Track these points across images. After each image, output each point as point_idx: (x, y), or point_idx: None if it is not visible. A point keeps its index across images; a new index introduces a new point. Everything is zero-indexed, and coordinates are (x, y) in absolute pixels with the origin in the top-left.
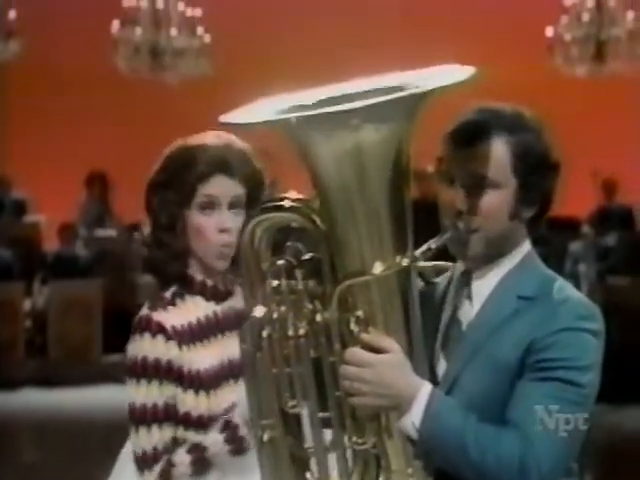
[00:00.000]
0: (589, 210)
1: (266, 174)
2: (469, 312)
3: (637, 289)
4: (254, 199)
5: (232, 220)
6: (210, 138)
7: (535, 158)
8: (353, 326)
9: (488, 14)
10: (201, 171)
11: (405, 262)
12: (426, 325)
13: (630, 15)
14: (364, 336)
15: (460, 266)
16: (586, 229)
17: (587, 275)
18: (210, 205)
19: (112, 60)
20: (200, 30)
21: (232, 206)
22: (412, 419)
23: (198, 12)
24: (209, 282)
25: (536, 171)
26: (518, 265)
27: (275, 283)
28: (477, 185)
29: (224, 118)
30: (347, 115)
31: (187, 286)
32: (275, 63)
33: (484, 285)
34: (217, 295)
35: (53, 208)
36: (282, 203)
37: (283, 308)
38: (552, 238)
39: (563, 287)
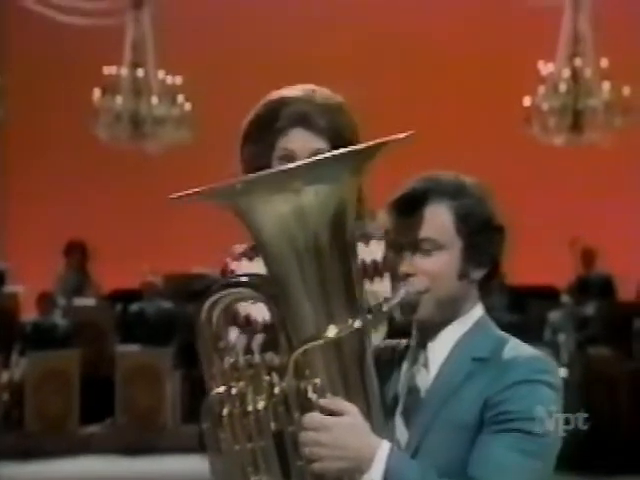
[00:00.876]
0: (568, 279)
1: (354, 128)
2: (426, 379)
3: (617, 359)
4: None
5: None
6: (293, 91)
7: (478, 220)
8: (311, 394)
9: (466, 82)
10: (280, 125)
11: (357, 324)
12: (385, 389)
13: (606, 86)
14: (321, 400)
15: (415, 335)
16: (565, 298)
17: (567, 345)
18: (288, 159)
19: (93, 128)
20: (180, 98)
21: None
22: (372, 477)
23: (179, 80)
24: None
25: (480, 232)
26: (472, 328)
27: (232, 360)
28: (423, 248)
29: (173, 195)
30: (288, 177)
31: None
32: None
33: (439, 351)
34: None
35: (32, 278)
36: (236, 279)
37: (242, 383)
38: (531, 307)
39: (516, 346)
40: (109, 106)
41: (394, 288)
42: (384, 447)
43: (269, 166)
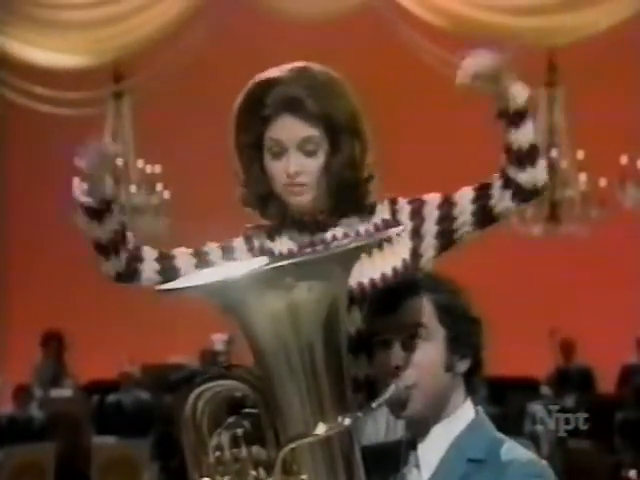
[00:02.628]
0: (547, 370)
1: (352, 111)
2: None
3: (598, 452)
4: (335, 136)
5: (300, 163)
6: (281, 70)
7: (458, 310)
8: None
9: (442, 172)
10: (266, 113)
11: (347, 422)
12: None
13: (583, 177)
14: None
15: (405, 434)
16: (545, 390)
17: (546, 437)
18: (278, 149)
19: (71, 218)
20: (159, 186)
21: (302, 148)
22: None
23: (158, 169)
24: (304, 217)
25: (461, 322)
26: (467, 428)
27: (218, 453)
28: (408, 340)
29: (160, 287)
30: (279, 273)
31: (284, 221)
32: (240, 220)
33: (431, 451)
34: (308, 227)
35: (9, 369)
36: (222, 372)
37: (227, 478)
38: (510, 398)
39: (512, 448)
40: None
41: (382, 384)
42: None
43: (261, 158)
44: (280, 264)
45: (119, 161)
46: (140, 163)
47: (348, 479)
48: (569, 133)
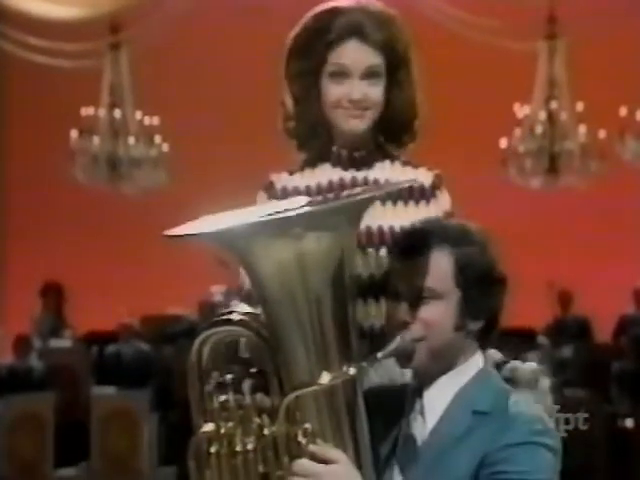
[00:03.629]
0: (545, 321)
1: (408, 43)
2: (422, 428)
3: (595, 403)
4: (394, 69)
5: (364, 90)
6: (346, 1)
7: (478, 271)
8: (301, 438)
9: (441, 123)
10: (331, 38)
11: (352, 371)
12: (380, 433)
13: (582, 129)
14: (311, 447)
15: (412, 382)
16: (542, 340)
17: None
18: (341, 74)
19: (71, 169)
20: (158, 139)
21: (366, 76)
22: None
23: (156, 121)
24: (342, 151)
25: (479, 284)
26: (473, 379)
27: (223, 399)
28: (419, 296)
29: (168, 232)
30: (289, 223)
31: (321, 154)
32: (238, 173)
33: (436, 400)
34: (343, 162)
35: (9, 319)
36: (229, 317)
37: (231, 424)
38: (508, 349)
39: (518, 401)
40: (86, 147)
41: (390, 335)
42: None
43: (317, 84)
44: (289, 214)
45: (117, 113)
46: (138, 115)
47: (351, 428)
48: (569, 85)
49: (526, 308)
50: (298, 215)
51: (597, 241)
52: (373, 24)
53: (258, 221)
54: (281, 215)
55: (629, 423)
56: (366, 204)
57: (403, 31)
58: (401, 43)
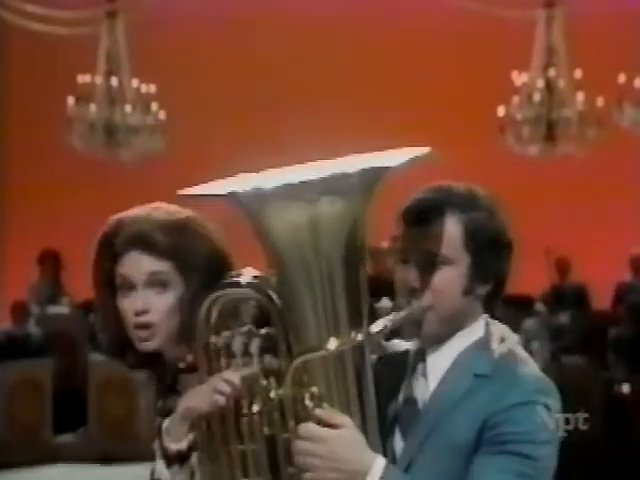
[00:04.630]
0: (542, 288)
1: (203, 246)
2: (424, 390)
3: (592, 369)
4: (187, 271)
5: (148, 300)
6: (134, 211)
7: (487, 235)
8: (307, 402)
9: (439, 92)
10: (116, 251)
11: (360, 338)
12: (382, 400)
13: (580, 97)
14: (318, 412)
15: (415, 342)
16: (540, 307)
17: (541, 354)
18: (126, 286)
19: (68, 137)
20: (155, 106)
21: (150, 284)
22: None
23: (153, 88)
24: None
25: (488, 248)
26: (475, 343)
27: (230, 359)
28: (429, 262)
29: (182, 191)
30: (303, 188)
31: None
32: (235, 140)
33: (439, 362)
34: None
35: (6, 286)
36: (238, 279)
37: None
38: (506, 315)
39: (519, 365)
40: (83, 115)
41: (399, 301)
42: (379, 463)
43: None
44: (305, 179)
45: (114, 81)
46: (135, 82)
47: (358, 394)
48: (567, 53)
49: (524, 275)
50: (313, 180)
51: (595, 209)
52: (153, 232)
53: (271, 184)
54: (296, 179)
55: (625, 389)
56: (381, 172)
57: (197, 233)
58: (192, 247)
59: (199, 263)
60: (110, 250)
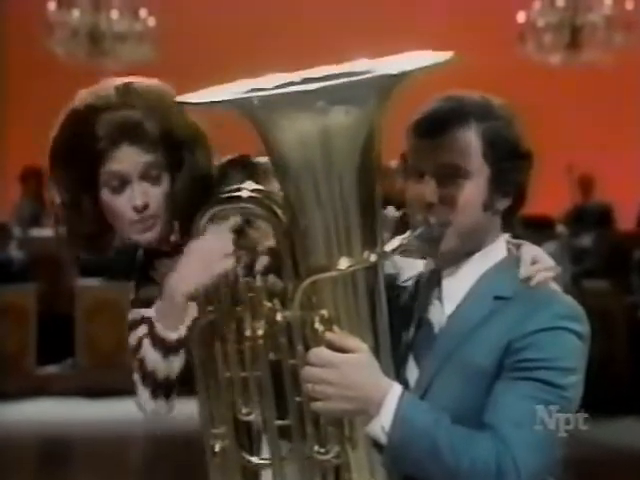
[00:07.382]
0: (564, 208)
1: (187, 127)
2: (440, 314)
3: (615, 293)
4: (176, 159)
5: (145, 193)
6: (104, 91)
7: (506, 145)
8: (317, 325)
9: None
10: (99, 147)
11: (373, 258)
12: (395, 326)
13: (608, 0)
14: (328, 335)
15: (429, 264)
16: (561, 229)
17: (561, 278)
18: (118, 182)
19: (48, 45)
20: (143, 12)
21: (144, 177)
22: (381, 423)
23: None
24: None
25: (508, 159)
26: (496, 264)
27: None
28: (448, 175)
29: (181, 98)
30: (313, 96)
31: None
32: (229, 49)
33: (456, 285)
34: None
35: None
36: (239, 193)
37: (240, 307)
38: (524, 238)
39: (545, 287)
40: (65, 20)
41: (414, 219)
42: (395, 391)
43: (96, 197)
44: (314, 87)
45: None
46: None
47: (371, 317)
48: None
49: (543, 194)
50: (324, 87)
51: (622, 121)
52: (146, 118)
53: (279, 92)
54: (306, 87)
55: None
56: (397, 80)
57: (182, 112)
58: (180, 130)
59: (187, 149)
60: (90, 145)
